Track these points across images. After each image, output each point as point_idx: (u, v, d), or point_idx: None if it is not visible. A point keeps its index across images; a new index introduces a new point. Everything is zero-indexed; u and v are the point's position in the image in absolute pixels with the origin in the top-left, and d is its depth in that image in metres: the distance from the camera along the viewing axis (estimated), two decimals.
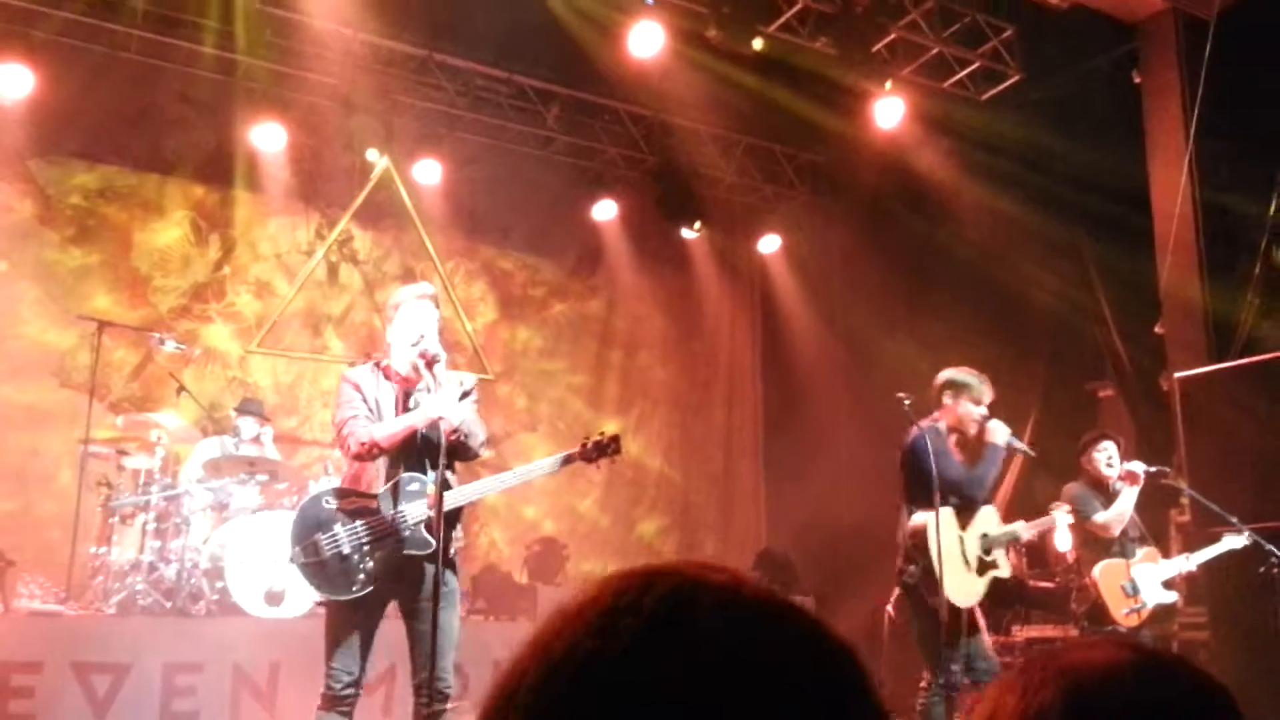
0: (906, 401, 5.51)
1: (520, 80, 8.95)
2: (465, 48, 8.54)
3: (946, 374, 5.46)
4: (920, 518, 5.05)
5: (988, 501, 5.33)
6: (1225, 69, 6.69)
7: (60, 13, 7.65)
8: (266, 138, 8.23)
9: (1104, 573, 5.80)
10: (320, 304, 9.16)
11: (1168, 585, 5.90)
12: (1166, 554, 6.36)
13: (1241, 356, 6.64)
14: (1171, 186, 7.13)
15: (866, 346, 9.59)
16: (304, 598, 6.38)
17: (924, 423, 5.21)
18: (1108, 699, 0.90)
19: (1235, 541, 5.79)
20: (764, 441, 10.99)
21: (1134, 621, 5.68)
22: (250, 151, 8.44)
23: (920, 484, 5.07)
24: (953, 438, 5.29)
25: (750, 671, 0.67)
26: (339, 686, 4.00)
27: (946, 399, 5.36)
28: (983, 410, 5.31)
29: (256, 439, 7.26)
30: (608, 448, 4.40)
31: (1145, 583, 5.80)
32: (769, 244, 10.46)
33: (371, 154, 8.41)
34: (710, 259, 10.66)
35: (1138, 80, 7.58)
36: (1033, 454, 5.87)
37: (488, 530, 9.38)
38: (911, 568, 5.07)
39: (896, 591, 8.75)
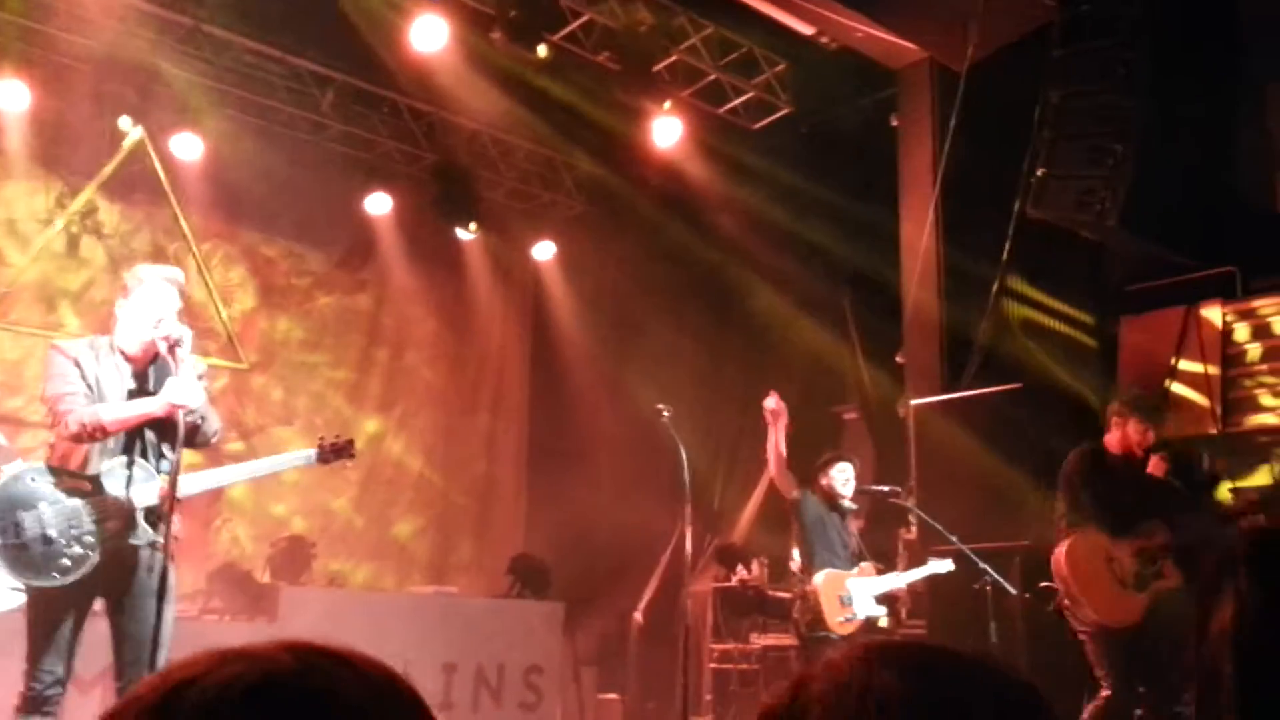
0: (666, 414, 5.65)
1: (295, 62, 8.61)
2: (237, 21, 8.14)
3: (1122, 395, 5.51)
4: (1067, 543, 5.13)
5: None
6: (974, 119, 7.22)
7: None
8: (7, 95, 7.58)
9: (825, 581, 6.11)
10: (57, 277, 8.50)
11: (879, 600, 6.28)
12: (893, 569, 6.79)
13: (971, 388, 7.17)
14: (919, 224, 7.63)
15: (633, 359, 9.77)
16: (9, 594, 5.88)
17: (1088, 444, 5.30)
18: (958, 687, 0.89)
19: (940, 566, 6.28)
20: (528, 447, 11.00)
21: (848, 630, 5.98)
22: None
23: (1073, 507, 5.19)
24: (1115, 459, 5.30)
25: None
26: (41, 686, 3.68)
27: (1115, 421, 5.37)
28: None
29: None
30: (343, 450, 4.39)
31: (859, 595, 6.15)
32: (544, 251, 10.50)
33: (125, 122, 7.89)
34: (485, 262, 10.58)
35: (895, 124, 8.09)
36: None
37: (230, 526, 8.95)
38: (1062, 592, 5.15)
39: (646, 598, 9.01)
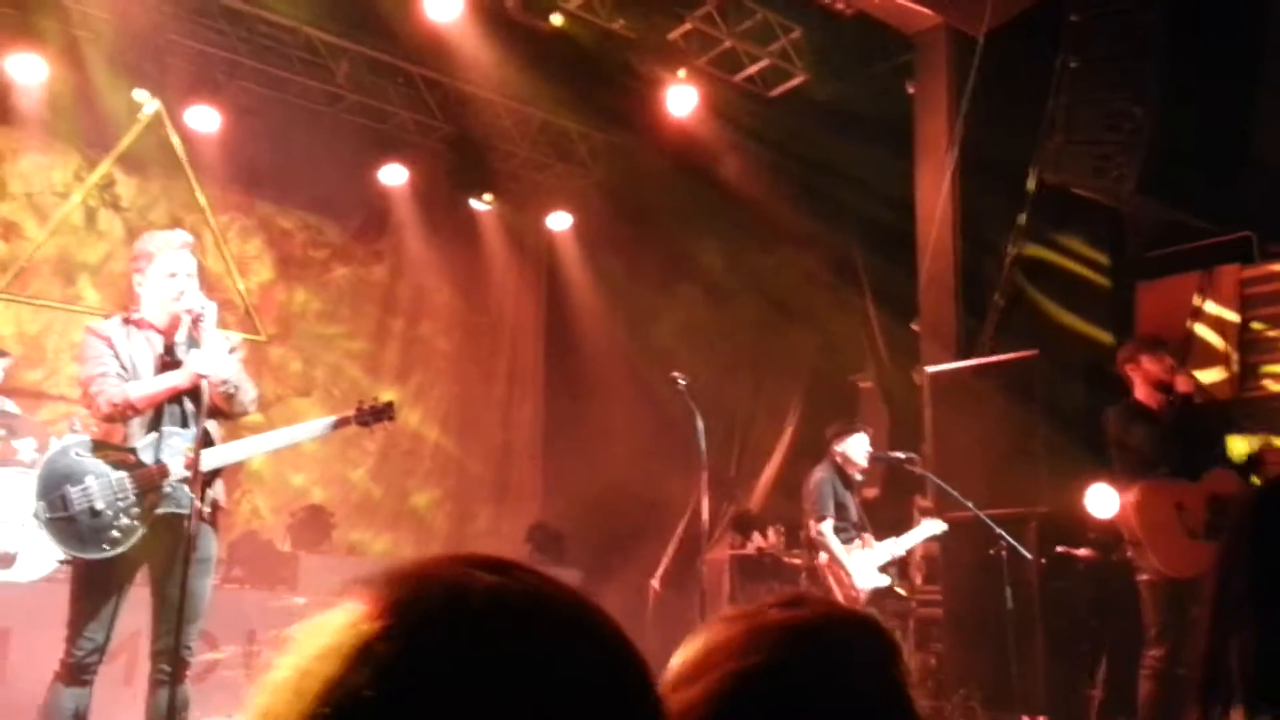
0: (681, 382, 5.67)
1: (309, 32, 8.60)
2: None
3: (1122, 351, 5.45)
4: (1121, 495, 5.07)
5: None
6: (991, 85, 7.17)
7: None
8: (23, 69, 7.60)
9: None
10: (75, 251, 8.55)
11: (882, 569, 6.32)
12: None
13: (986, 355, 7.16)
14: (934, 193, 7.59)
15: (648, 327, 9.79)
16: (39, 561, 5.99)
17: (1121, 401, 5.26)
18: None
19: (934, 526, 6.29)
20: (544, 416, 11.05)
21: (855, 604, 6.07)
22: (4, 83, 7.77)
23: (1118, 459, 5.13)
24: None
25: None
26: (81, 654, 3.75)
27: (1130, 371, 5.30)
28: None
29: None
30: (383, 413, 4.41)
31: (859, 569, 6.19)
32: (559, 221, 10.50)
33: (141, 95, 7.91)
34: (499, 232, 10.60)
35: (911, 90, 8.03)
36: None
37: (250, 497, 9.04)
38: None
39: (663, 566, 9.07)
